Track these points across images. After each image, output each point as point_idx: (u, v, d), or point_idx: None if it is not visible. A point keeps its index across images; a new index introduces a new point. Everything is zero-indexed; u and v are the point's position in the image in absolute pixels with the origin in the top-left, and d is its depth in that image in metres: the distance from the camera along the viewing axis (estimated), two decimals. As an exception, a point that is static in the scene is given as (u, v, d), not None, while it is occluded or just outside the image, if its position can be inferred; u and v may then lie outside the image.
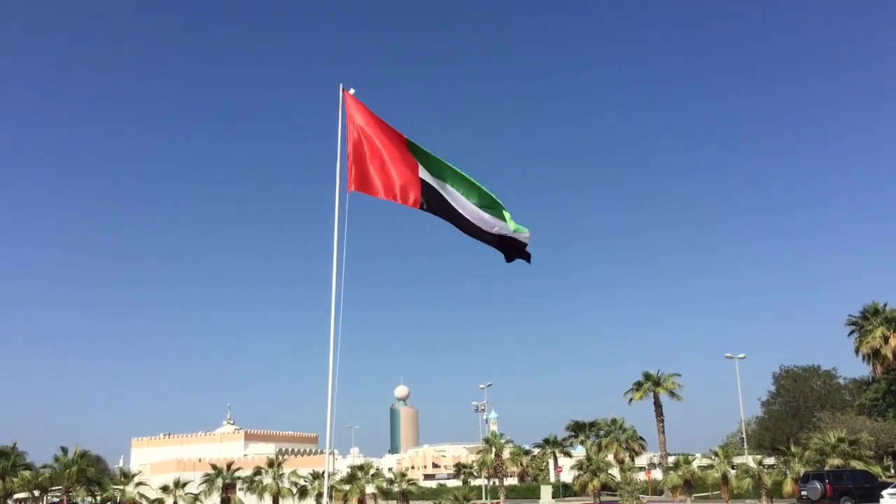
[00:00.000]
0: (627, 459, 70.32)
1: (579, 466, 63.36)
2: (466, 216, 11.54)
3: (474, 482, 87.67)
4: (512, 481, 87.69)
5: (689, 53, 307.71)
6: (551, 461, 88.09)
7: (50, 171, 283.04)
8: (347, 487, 59.67)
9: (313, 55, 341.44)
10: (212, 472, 62.76)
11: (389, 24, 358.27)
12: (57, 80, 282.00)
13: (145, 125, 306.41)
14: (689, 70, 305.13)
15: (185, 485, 61.98)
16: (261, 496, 62.79)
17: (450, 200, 11.60)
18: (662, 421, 69.20)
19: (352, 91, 12.22)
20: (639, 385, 69.44)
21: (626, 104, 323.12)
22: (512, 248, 11.54)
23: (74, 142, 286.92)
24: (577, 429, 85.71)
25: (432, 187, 11.62)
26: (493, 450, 70.50)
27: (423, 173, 11.67)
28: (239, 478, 63.58)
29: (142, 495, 60.97)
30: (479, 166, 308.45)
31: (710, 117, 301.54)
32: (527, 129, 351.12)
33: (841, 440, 49.80)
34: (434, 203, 11.60)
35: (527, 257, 11.63)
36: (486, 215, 11.45)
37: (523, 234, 11.40)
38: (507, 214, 11.39)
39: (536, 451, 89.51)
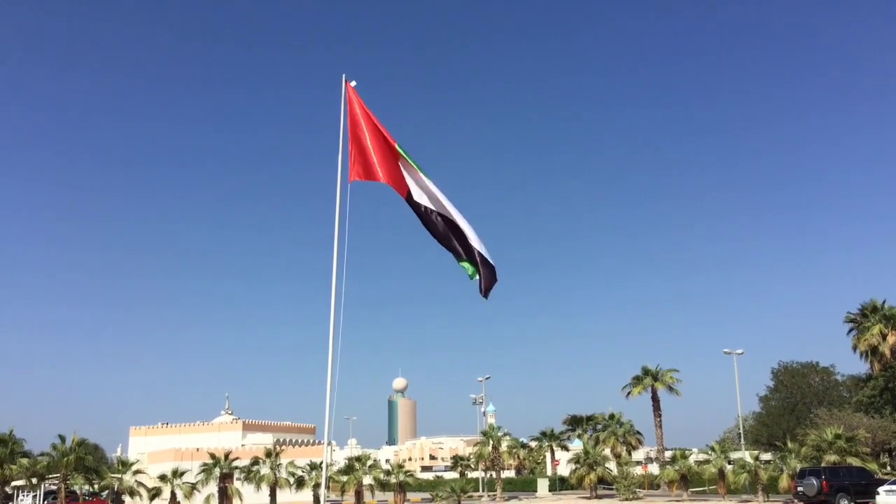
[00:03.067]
0: (624, 453, 70.44)
1: (576, 460, 63.50)
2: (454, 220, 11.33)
3: (471, 475, 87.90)
4: (509, 474, 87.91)
5: (690, 54, 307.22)
6: (548, 454, 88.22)
7: (51, 167, 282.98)
8: (345, 478, 59.64)
9: (314, 51, 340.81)
10: (209, 461, 62.78)
11: (391, 22, 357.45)
12: (60, 78, 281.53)
13: (142, 120, 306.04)
14: (689, 70, 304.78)
15: (182, 474, 61.97)
16: (258, 486, 62.78)
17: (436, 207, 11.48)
18: (660, 416, 69.31)
19: (353, 83, 12.15)
20: (637, 379, 69.49)
21: (625, 103, 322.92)
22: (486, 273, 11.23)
23: (76, 138, 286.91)
24: (575, 422, 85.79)
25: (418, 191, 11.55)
26: (491, 442, 70.60)
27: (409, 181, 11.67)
28: (236, 468, 63.57)
29: (140, 484, 60.97)
30: (479, 163, 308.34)
31: (710, 117, 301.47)
32: (526, 127, 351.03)
33: (838, 437, 49.87)
34: (420, 205, 11.52)
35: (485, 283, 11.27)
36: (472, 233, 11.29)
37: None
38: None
39: (534, 444, 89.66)
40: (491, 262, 11.19)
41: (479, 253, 11.15)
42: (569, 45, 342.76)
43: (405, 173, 11.61)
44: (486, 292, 11.27)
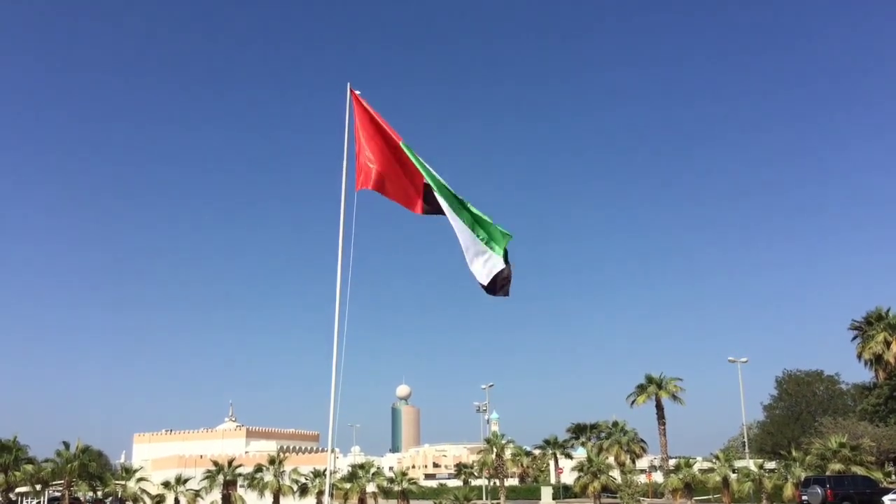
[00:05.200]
0: (628, 462, 70.25)
1: (580, 468, 63.36)
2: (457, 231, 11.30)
3: (475, 482, 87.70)
4: (512, 482, 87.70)
5: (696, 56, 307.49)
6: (552, 462, 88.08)
7: (55, 168, 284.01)
8: (348, 486, 59.72)
9: (320, 55, 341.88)
10: (213, 468, 62.87)
11: (396, 25, 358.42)
12: (63, 77, 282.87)
13: (149, 123, 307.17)
14: (694, 73, 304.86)
15: (186, 481, 62.10)
16: (261, 493, 62.87)
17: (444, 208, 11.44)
18: (664, 424, 69.15)
19: (358, 92, 12.26)
20: (641, 388, 69.37)
21: (630, 105, 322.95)
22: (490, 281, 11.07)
23: (81, 139, 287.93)
24: (579, 430, 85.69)
25: (433, 191, 11.59)
26: (494, 450, 70.48)
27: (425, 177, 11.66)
28: (240, 475, 63.66)
29: (143, 491, 61.11)
30: (481, 165, 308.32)
31: (715, 120, 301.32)
32: (530, 128, 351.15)
33: (842, 445, 49.70)
34: (436, 206, 11.56)
35: (499, 288, 11.17)
36: (468, 235, 11.20)
37: (497, 262, 11.10)
38: (493, 234, 11.14)
39: (537, 452, 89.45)
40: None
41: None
42: (576, 44, 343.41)
43: (413, 177, 11.66)
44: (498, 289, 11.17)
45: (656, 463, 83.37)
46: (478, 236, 11.21)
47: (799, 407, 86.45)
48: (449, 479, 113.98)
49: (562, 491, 76.80)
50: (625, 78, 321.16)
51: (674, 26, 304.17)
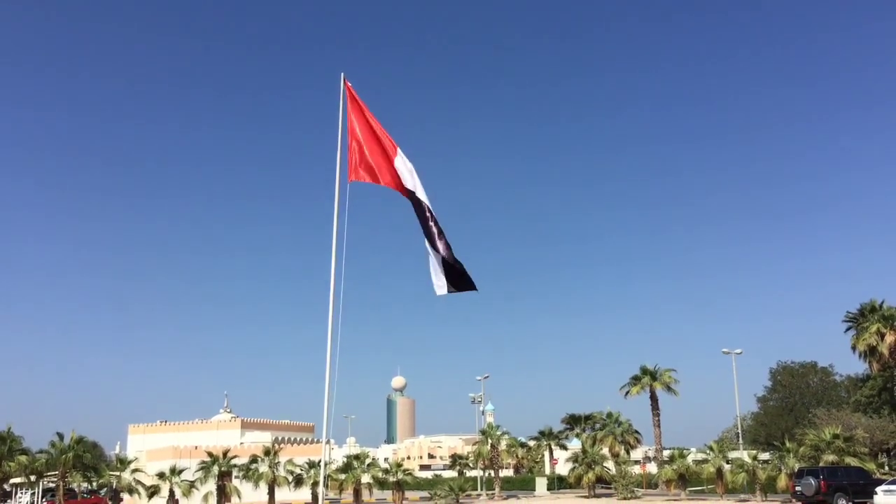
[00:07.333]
0: (622, 453, 70.46)
1: (575, 459, 63.56)
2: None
3: (470, 473, 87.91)
4: (507, 473, 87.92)
5: (696, 57, 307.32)
6: (547, 453, 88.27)
7: (52, 167, 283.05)
8: (343, 477, 59.72)
9: (312, 50, 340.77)
10: (208, 459, 62.76)
11: (393, 22, 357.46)
12: (64, 79, 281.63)
13: (147, 121, 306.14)
14: (694, 73, 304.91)
15: (181, 472, 61.94)
16: (256, 484, 62.72)
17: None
18: (658, 415, 69.34)
19: (351, 84, 12.16)
20: (636, 379, 69.51)
21: (630, 106, 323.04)
22: (454, 276, 11.64)
23: (78, 138, 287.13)
24: (573, 422, 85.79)
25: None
26: (489, 441, 70.58)
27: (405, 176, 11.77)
28: (235, 465, 63.51)
29: (138, 482, 60.96)
30: (480, 165, 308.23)
31: (713, 120, 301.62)
32: (530, 128, 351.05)
33: (836, 437, 49.85)
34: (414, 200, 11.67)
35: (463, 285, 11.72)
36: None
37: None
38: None
39: (532, 443, 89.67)
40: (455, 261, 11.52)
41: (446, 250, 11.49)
42: (575, 45, 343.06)
43: (402, 167, 11.64)
44: (455, 287, 11.63)
45: (650, 454, 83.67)
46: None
47: (793, 398, 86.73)
48: (444, 470, 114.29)
49: (556, 482, 77.00)
50: (620, 78, 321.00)
51: (671, 28, 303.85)
